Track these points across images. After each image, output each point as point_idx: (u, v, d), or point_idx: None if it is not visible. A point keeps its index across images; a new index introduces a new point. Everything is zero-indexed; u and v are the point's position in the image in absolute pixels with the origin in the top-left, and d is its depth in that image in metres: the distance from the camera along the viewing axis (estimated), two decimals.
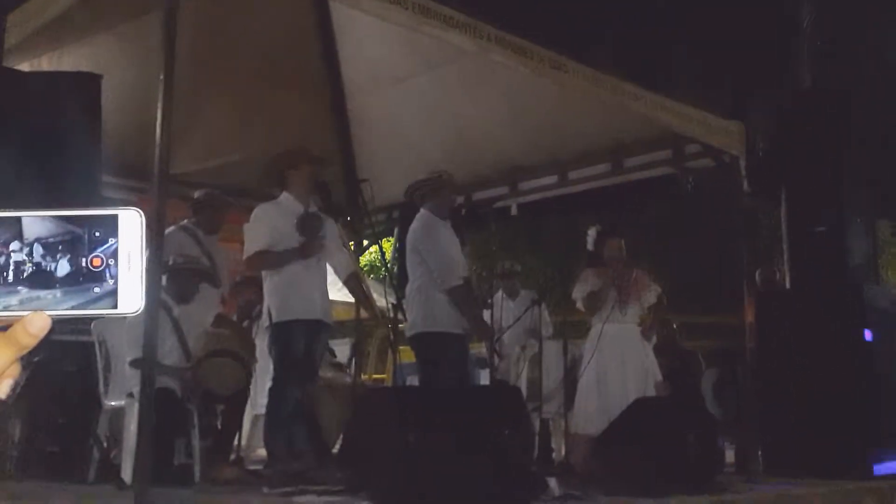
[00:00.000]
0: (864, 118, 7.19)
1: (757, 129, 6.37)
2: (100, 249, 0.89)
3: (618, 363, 5.80)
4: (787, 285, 6.60)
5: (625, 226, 6.56)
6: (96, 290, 0.89)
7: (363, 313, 5.60)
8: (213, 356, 5.30)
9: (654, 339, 6.17)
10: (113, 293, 0.90)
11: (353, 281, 5.53)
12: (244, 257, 5.16)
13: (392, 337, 5.82)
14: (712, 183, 6.58)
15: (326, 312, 5.15)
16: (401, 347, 5.97)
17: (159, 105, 3.80)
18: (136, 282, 0.90)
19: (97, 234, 0.90)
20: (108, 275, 0.89)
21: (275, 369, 5.08)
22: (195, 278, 5.58)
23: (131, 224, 0.91)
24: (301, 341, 4.95)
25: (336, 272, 5.58)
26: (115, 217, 0.91)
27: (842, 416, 5.88)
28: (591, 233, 6.20)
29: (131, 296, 0.90)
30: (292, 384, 4.93)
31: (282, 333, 4.97)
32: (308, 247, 5.07)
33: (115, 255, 0.89)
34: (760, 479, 5.59)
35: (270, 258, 5.05)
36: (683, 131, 5.99)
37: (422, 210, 5.54)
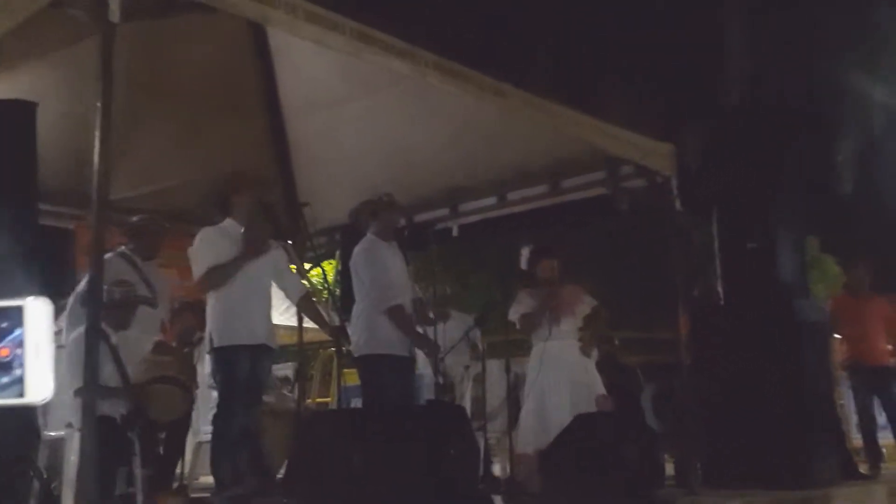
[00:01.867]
0: (793, 135, 7.41)
1: (688, 148, 6.54)
2: (6, 339, 0.89)
3: (557, 380, 5.88)
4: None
5: (562, 245, 6.66)
6: (3, 379, 0.89)
7: (312, 336, 5.60)
8: (154, 383, 5.25)
9: (596, 354, 6.25)
10: (20, 381, 0.90)
11: (306, 302, 5.53)
12: (194, 278, 5.10)
13: (336, 360, 5.82)
14: (646, 202, 6.71)
15: (270, 336, 5.13)
16: (345, 370, 5.97)
17: (97, 131, 3.77)
18: (44, 370, 0.90)
19: (3, 324, 0.90)
20: (15, 364, 0.89)
21: (219, 394, 5.04)
22: (133, 305, 5.53)
23: (38, 313, 0.91)
24: (245, 365, 4.93)
25: (287, 295, 5.58)
26: (20, 308, 0.91)
27: (777, 427, 6.04)
28: (525, 252, 6.30)
29: (39, 384, 0.90)
30: (237, 409, 4.91)
31: (225, 358, 4.95)
32: (254, 247, 5.02)
33: (21, 344, 0.89)
34: (700, 492, 5.70)
35: (221, 271, 5.00)
36: (617, 153, 6.14)
37: (367, 234, 5.59)
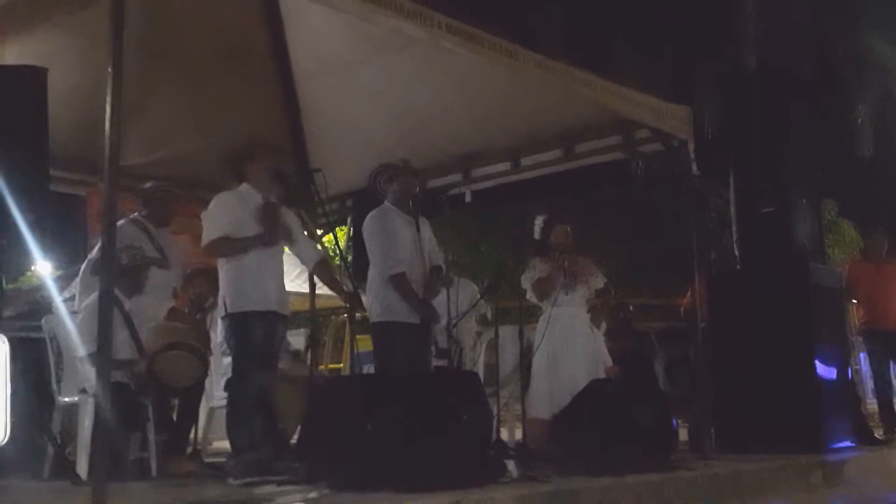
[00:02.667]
0: (810, 98, 7.33)
1: (703, 111, 6.48)
2: None
3: (566, 346, 5.88)
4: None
5: (576, 211, 6.63)
6: None
7: (325, 302, 5.59)
8: (168, 349, 5.27)
9: (604, 325, 6.24)
10: None
11: (322, 268, 5.52)
12: (203, 244, 5.08)
13: (349, 326, 5.82)
14: (662, 167, 6.66)
15: (283, 304, 5.12)
16: (358, 336, 5.97)
17: (108, 97, 3.75)
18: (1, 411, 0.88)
19: None
20: None
21: (233, 360, 5.05)
22: (143, 269, 5.54)
23: None
24: (258, 331, 4.93)
25: (303, 261, 5.57)
26: None
27: (791, 392, 6.02)
28: (539, 221, 6.27)
29: None
30: (252, 374, 4.91)
31: (239, 324, 4.94)
32: (271, 235, 5.03)
33: None
34: (714, 457, 5.70)
35: (231, 245, 4.99)
36: (633, 117, 6.06)
37: (385, 202, 5.57)
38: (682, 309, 7.05)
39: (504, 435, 6.49)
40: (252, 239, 4.99)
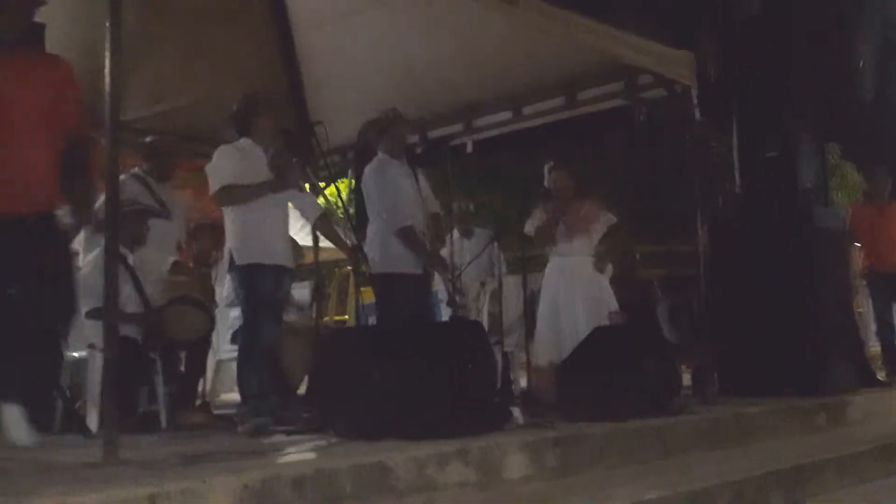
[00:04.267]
0: (812, 41, 7.25)
1: (706, 57, 6.41)
2: None
3: (568, 294, 5.90)
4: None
5: (579, 158, 6.60)
6: None
7: (328, 255, 5.60)
8: (174, 303, 5.30)
9: (610, 270, 6.23)
10: None
11: (323, 221, 5.54)
12: (210, 192, 5.07)
13: (353, 278, 5.85)
14: (665, 112, 6.61)
15: (289, 257, 5.14)
16: (362, 289, 6.00)
17: (107, 52, 3.72)
18: None
19: None
20: None
21: (242, 311, 5.08)
22: (143, 219, 5.54)
23: None
24: (267, 283, 4.95)
25: (304, 215, 5.58)
26: None
27: (792, 335, 6.06)
28: (547, 168, 6.26)
29: None
30: (262, 325, 4.94)
31: (246, 276, 4.96)
32: (281, 180, 5.01)
33: None
34: (717, 401, 5.75)
35: (240, 192, 4.97)
36: (635, 63, 6.00)
37: (378, 153, 5.56)
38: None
39: (510, 383, 6.56)
40: (261, 185, 4.97)
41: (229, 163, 5.02)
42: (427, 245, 5.52)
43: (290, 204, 5.33)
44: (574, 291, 5.90)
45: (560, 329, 5.82)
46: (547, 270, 6.02)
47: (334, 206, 7.67)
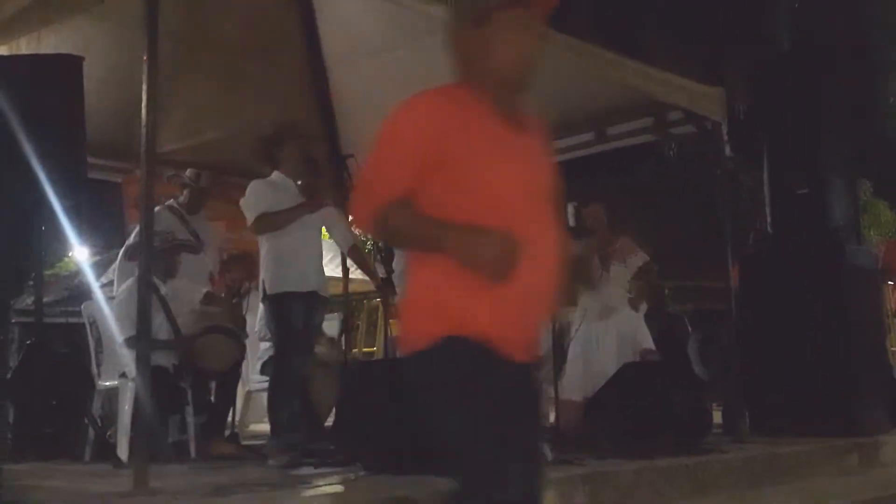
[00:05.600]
0: (843, 77, 7.22)
1: (736, 92, 6.41)
2: None
3: (603, 328, 5.87)
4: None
5: (608, 193, 6.60)
6: None
7: (358, 286, 5.61)
8: (205, 333, 5.34)
9: (645, 306, 6.19)
10: None
11: (356, 252, 5.58)
12: (248, 223, 5.12)
13: (382, 310, 5.86)
14: (695, 148, 6.60)
15: (322, 285, 5.17)
16: (391, 321, 6.01)
17: (144, 85, 3.79)
18: None
19: None
20: None
21: (274, 342, 5.09)
22: (176, 252, 5.60)
23: None
24: (299, 313, 4.97)
25: (338, 244, 5.63)
26: None
27: (826, 374, 5.98)
28: (569, 209, 6.23)
29: None
30: (293, 356, 4.96)
31: (278, 306, 4.99)
32: (314, 203, 5.05)
33: None
34: (748, 439, 5.68)
35: (276, 217, 5.01)
36: (665, 99, 6.01)
37: None
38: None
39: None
40: (295, 209, 5.01)
41: (262, 195, 5.08)
42: None
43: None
44: (608, 325, 5.87)
45: (592, 363, 5.77)
46: (580, 304, 5.97)
47: (363, 238, 7.71)
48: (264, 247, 5.10)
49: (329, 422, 5.86)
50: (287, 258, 4.99)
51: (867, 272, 6.62)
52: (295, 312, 4.95)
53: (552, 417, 6.60)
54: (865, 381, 6.22)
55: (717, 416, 6.33)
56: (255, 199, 5.07)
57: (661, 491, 4.34)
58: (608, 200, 6.27)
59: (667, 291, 7.78)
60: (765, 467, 5.06)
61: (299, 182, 5.15)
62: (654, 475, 4.38)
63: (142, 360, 3.66)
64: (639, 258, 6.08)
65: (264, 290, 5.04)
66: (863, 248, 7.03)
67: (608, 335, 5.86)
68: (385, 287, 5.48)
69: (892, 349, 8.68)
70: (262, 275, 5.11)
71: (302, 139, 5.35)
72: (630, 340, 5.87)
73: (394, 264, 5.63)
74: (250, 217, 5.05)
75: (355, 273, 5.79)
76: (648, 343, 5.95)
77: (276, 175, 5.19)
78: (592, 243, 5.93)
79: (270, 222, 5.01)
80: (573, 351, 5.92)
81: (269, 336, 5.45)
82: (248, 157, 5.61)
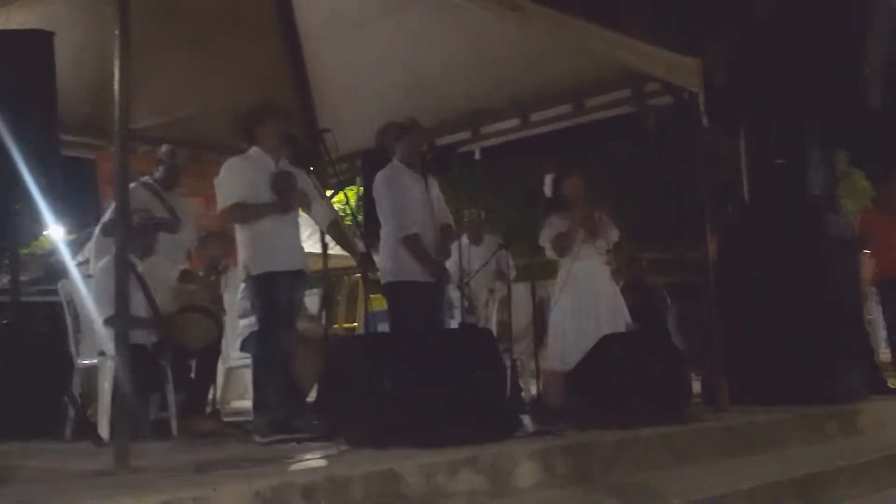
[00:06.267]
0: (820, 48, 7.23)
1: (715, 62, 6.40)
2: None
3: (590, 300, 5.86)
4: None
5: (587, 166, 6.60)
6: None
7: (337, 262, 5.60)
8: (183, 311, 5.31)
9: (622, 280, 6.22)
10: None
11: (335, 228, 5.55)
12: (218, 209, 5.08)
13: (362, 285, 5.85)
14: (673, 120, 6.60)
15: (303, 261, 5.16)
16: (371, 295, 6.00)
17: (116, 60, 3.74)
18: None
19: None
20: None
21: (260, 321, 5.08)
22: (152, 230, 5.56)
23: None
24: (285, 290, 4.95)
25: (317, 222, 5.60)
26: None
27: (803, 343, 6.03)
28: (548, 179, 6.22)
29: None
30: (279, 334, 4.95)
31: (263, 285, 4.96)
32: (286, 204, 5.03)
33: None
34: (727, 409, 5.73)
35: (247, 211, 4.99)
36: (643, 70, 6.00)
37: (393, 160, 5.57)
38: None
39: (520, 390, 6.54)
40: (268, 207, 5.00)
41: (238, 177, 5.04)
42: (432, 254, 5.52)
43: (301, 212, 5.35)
44: (597, 297, 5.87)
45: (582, 334, 5.76)
46: (562, 275, 5.97)
47: (343, 214, 7.68)
48: (242, 229, 5.08)
49: (311, 397, 5.87)
50: (265, 239, 4.97)
51: (844, 242, 6.67)
52: (280, 291, 4.93)
53: (533, 389, 6.64)
54: (843, 349, 6.28)
55: (697, 387, 6.39)
56: (230, 181, 5.03)
57: (641, 461, 4.38)
58: (587, 172, 6.26)
59: (644, 263, 7.79)
60: (744, 436, 5.11)
61: (275, 165, 5.10)
62: (634, 445, 4.41)
63: (121, 339, 3.63)
64: (614, 233, 6.08)
65: (247, 270, 5.02)
66: (840, 218, 7.08)
67: (595, 304, 5.84)
68: (365, 262, 5.46)
69: (869, 317, 8.76)
70: (242, 256, 5.09)
71: (282, 117, 5.30)
72: (612, 313, 5.87)
73: (380, 236, 5.62)
74: (222, 202, 5.02)
75: (334, 248, 5.77)
76: (627, 316, 5.98)
77: (253, 150, 5.15)
78: (576, 214, 5.93)
79: (241, 215, 5.01)
80: (557, 321, 5.93)
81: (248, 313, 5.43)
82: (226, 133, 5.57)
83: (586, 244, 5.91)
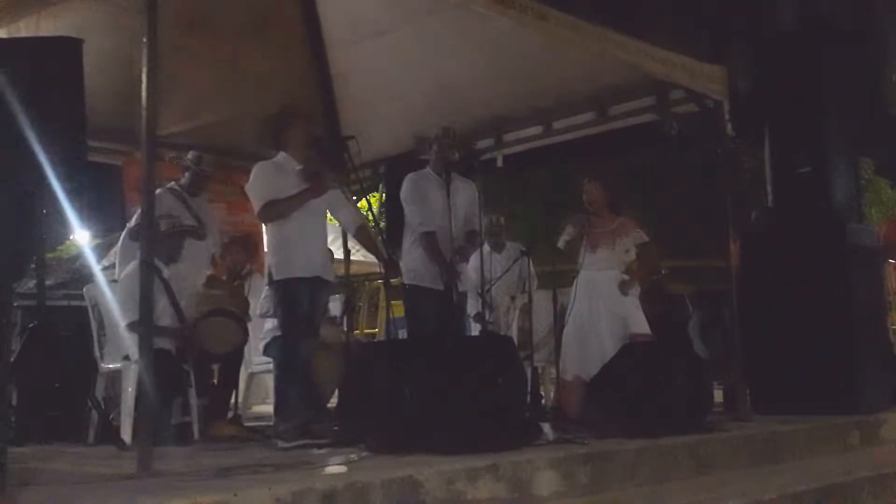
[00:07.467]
0: (845, 55, 7.17)
1: (738, 70, 6.37)
2: None
3: (589, 309, 5.84)
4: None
5: (610, 173, 6.56)
6: None
7: (359, 268, 5.64)
8: (208, 316, 5.35)
9: (637, 289, 6.12)
10: None
11: (363, 233, 5.59)
12: (255, 211, 5.11)
13: (383, 291, 5.88)
14: (696, 127, 6.58)
15: (327, 269, 5.16)
16: (392, 301, 6.04)
17: (144, 67, 3.78)
18: None
19: None
20: None
21: (281, 326, 5.11)
22: (179, 236, 5.62)
23: None
24: (305, 297, 4.97)
25: (344, 226, 5.66)
26: None
27: (825, 352, 5.99)
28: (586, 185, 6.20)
29: None
30: (300, 340, 4.97)
31: (284, 290, 4.99)
32: (317, 186, 5.02)
33: None
34: (749, 418, 5.70)
35: (282, 205, 5.00)
36: (667, 78, 5.99)
37: (427, 167, 5.67)
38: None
39: (540, 398, 6.54)
40: (299, 195, 5.00)
41: (267, 180, 5.07)
42: (445, 257, 5.56)
43: (329, 216, 5.39)
44: (599, 306, 5.85)
45: (585, 343, 5.77)
46: (574, 284, 5.97)
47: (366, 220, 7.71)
48: (269, 232, 5.13)
49: (332, 403, 5.89)
50: (292, 243, 4.99)
51: (868, 250, 6.61)
52: (301, 297, 4.95)
53: (553, 397, 6.62)
54: (866, 359, 6.23)
55: (719, 396, 6.35)
56: (262, 184, 5.06)
57: (662, 470, 4.36)
58: (610, 180, 6.23)
59: (663, 272, 7.73)
60: (766, 446, 5.08)
61: (299, 167, 5.13)
62: (656, 454, 4.40)
63: (144, 343, 3.67)
64: (633, 239, 5.99)
65: (270, 274, 5.05)
66: (864, 227, 7.01)
67: (600, 315, 5.82)
68: (390, 267, 5.49)
69: (893, 327, 8.67)
70: (268, 260, 5.13)
71: (308, 121, 5.34)
72: (620, 322, 5.82)
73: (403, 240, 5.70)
74: (257, 204, 5.04)
75: (357, 254, 5.80)
76: (640, 327, 5.88)
77: (281, 156, 5.18)
78: (583, 222, 5.91)
79: (277, 210, 5.01)
80: (567, 330, 5.92)
81: (271, 312, 5.47)
82: (253, 139, 5.62)
83: (592, 250, 5.90)
